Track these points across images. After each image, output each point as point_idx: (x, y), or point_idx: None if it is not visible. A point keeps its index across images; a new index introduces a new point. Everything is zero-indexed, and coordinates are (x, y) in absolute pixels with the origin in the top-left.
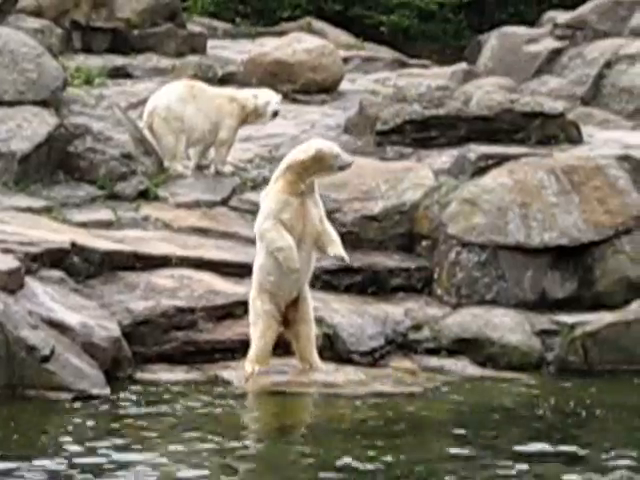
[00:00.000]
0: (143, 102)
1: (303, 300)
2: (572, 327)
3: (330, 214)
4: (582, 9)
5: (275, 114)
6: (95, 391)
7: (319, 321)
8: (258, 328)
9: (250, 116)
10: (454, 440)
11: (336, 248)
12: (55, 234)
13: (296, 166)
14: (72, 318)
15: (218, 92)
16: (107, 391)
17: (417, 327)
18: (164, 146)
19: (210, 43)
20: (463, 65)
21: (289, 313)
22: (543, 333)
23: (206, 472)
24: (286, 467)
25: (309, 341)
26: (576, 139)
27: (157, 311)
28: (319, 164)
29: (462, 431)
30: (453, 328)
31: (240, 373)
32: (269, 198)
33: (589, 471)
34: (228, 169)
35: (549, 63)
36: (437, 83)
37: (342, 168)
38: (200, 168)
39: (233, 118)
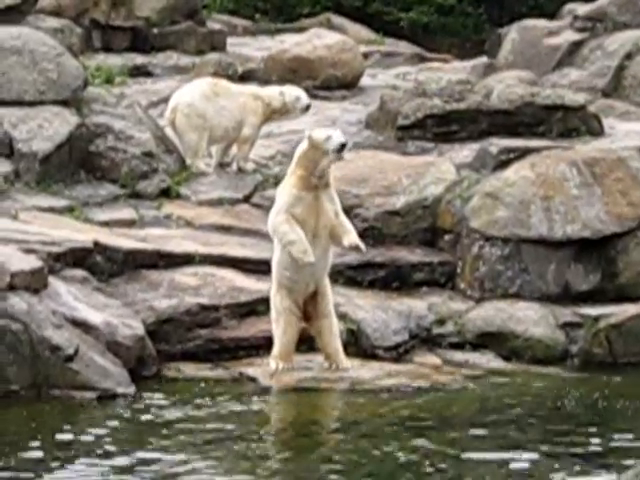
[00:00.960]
0: (164, 100)
1: (322, 295)
2: (596, 319)
3: (352, 209)
4: (602, 1)
5: (307, 108)
6: (120, 390)
7: (343, 317)
8: (279, 325)
9: (276, 113)
10: (480, 434)
11: (351, 237)
12: (78, 233)
13: (301, 160)
14: (96, 317)
15: (242, 90)
16: (132, 390)
17: (441, 321)
18: (186, 143)
19: (230, 40)
20: (483, 59)
21: (309, 308)
22: (567, 326)
23: (232, 471)
24: (314, 465)
25: (332, 335)
26: (597, 131)
27: (181, 309)
28: (316, 150)
29: (488, 425)
30: (477, 322)
31: (265, 370)
32: (282, 193)
33: (615, 464)
34: (250, 166)
35: (570, 55)
36: (457, 77)
37: (336, 150)
38: (222, 166)
39: (257, 116)
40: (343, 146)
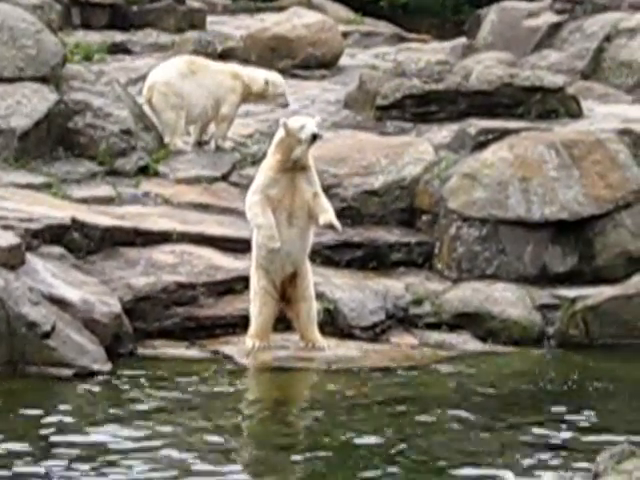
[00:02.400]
0: (143, 78)
1: (302, 277)
2: (573, 301)
3: (330, 189)
4: None
5: (314, 138)
6: (96, 367)
7: (320, 296)
8: (256, 304)
9: (252, 96)
10: (456, 414)
11: (326, 216)
12: (55, 210)
13: (278, 144)
14: (73, 294)
15: (221, 68)
16: (108, 367)
17: (418, 302)
18: (164, 122)
19: (209, 19)
20: (462, 40)
21: (288, 290)
22: (544, 307)
23: (204, 451)
24: (285, 443)
25: (309, 319)
26: (576, 113)
27: (158, 287)
28: (291, 138)
29: (463, 406)
30: (454, 303)
31: (241, 348)
32: (259, 174)
33: (590, 444)
34: (228, 145)
35: (549, 37)
36: (437, 58)
37: (309, 140)
38: (200, 144)
39: (236, 94)
40: (315, 137)
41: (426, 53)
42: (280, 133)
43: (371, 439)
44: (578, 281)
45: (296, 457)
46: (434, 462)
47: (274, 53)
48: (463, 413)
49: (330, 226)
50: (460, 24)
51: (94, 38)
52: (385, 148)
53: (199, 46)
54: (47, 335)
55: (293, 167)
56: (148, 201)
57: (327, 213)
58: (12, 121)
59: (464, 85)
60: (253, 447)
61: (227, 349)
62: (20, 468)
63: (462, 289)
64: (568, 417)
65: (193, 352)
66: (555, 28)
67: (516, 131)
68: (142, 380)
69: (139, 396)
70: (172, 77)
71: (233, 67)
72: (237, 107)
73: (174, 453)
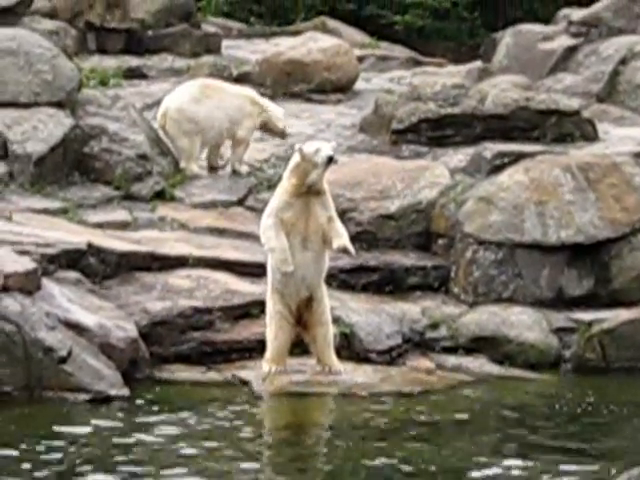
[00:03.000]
0: (158, 103)
1: (317, 302)
2: (589, 324)
3: (346, 213)
4: (597, 6)
5: (329, 161)
6: (113, 392)
7: (336, 320)
8: (272, 329)
9: (262, 128)
10: (472, 439)
11: (340, 240)
12: (71, 235)
13: (293, 169)
14: (89, 319)
15: (238, 91)
16: (125, 392)
17: (434, 325)
18: (179, 147)
19: (225, 43)
20: (478, 63)
21: (304, 315)
22: (560, 331)
23: (223, 477)
24: (303, 470)
25: (326, 343)
26: (592, 136)
27: (174, 311)
28: (307, 163)
29: (480, 430)
30: (470, 326)
31: (258, 373)
32: (273, 198)
33: (607, 468)
34: (245, 169)
35: (564, 60)
36: (452, 81)
37: (324, 164)
38: (213, 169)
39: (253, 119)
40: (330, 159)
41: (442, 77)
42: (295, 158)
43: (389, 463)
44: (594, 304)
45: None
46: None
47: (289, 77)
48: (480, 437)
49: (344, 250)
50: (476, 48)
51: (110, 63)
52: (401, 172)
53: (214, 70)
54: (63, 360)
55: (308, 191)
56: (164, 226)
57: (341, 238)
58: (28, 146)
59: (480, 109)
60: (272, 473)
61: (244, 373)
62: None
63: (478, 313)
64: (584, 440)
65: (210, 377)
66: (570, 51)
67: (532, 154)
68: (158, 405)
69: (155, 421)
70: (184, 103)
71: (251, 93)
72: (253, 132)
73: (194, 478)
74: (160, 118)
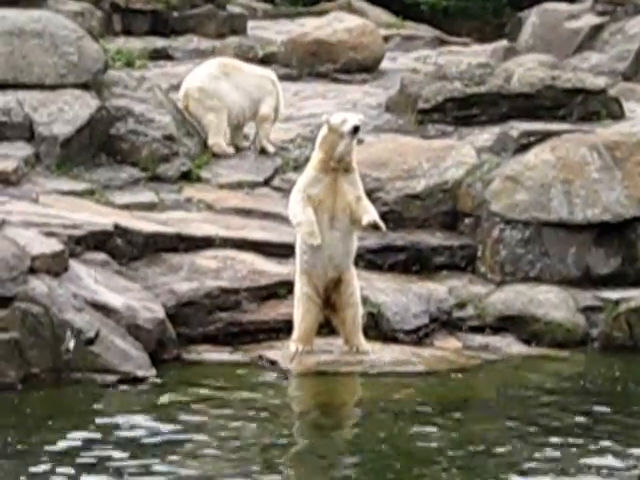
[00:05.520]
0: None
1: (346, 283)
2: (616, 303)
3: (372, 193)
4: None
5: (355, 130)
6: (140, 373)
7: (363, 300)
8: (299, 311)
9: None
10: (500, 419)
11: (370, 216)
12: (98, 217)
13: (321, 144)
14: (116, 300)
15: (256, 70)
16: (153, 373)
17: (461, 305)
18: (205, 125)
19: (250, 24)
20: (504, 42)
21: (332, 297)
22: (587, 309)
23: (250, 455)
24: (331, 448)
25: (355, 325)
26: (618, 115)
27: (201, 292)
28: (334, 134)
29: (508, 409)
30: (497, 305)
31: (285, 353)
32: (302, 175)
33: (636, 447)
34: (271, 148)
35: (590, 39)
36: (478, 61)
37: (350, 133)
38: (238, 150)
39: (273, 97)
40: (357, 129)
41: (467, 56)
42: (323, 130)
43: (415, 444)
44: (621, 283)
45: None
46: (481, 469)
47: (315, 57)
48: (508, 416)
49: (374, 226)
50: (501, 27)
51: (135, 44)
52: (427, 151)
53: (240, 51)
54: (91, 341)
55: (336, 168)
56: (191, 207)
57: (370, 214)
58: (54, 128)
59: (506, 88)
60: (299, 459)
61: (271, 354)
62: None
63: (505, 292)
64: (613, 419)
65: (237, 357)
66: (596, 30)
67: (558, 133)
68: (186, 385)
69: (183, 402)
70: (204, 82)
71: (269, 72)
72: (275, 110)
73: (219, 461)
74: (183, 100)
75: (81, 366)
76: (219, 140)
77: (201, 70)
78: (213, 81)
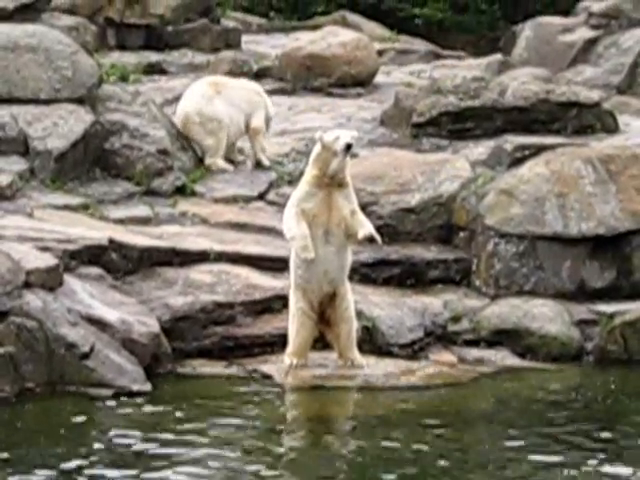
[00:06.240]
0: (178, 98)
1: (341, 298)
2: (611, 316)
3: (367, 207)
4: None
5: (348, 148)
6: (135, 387)
7: (358, 314)
8: (293, 326)
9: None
10: (496, 432)
11: (366, 229)
12: (93, 231)
13: (315, 161)
14: (111, 314)
15: (242, 84)
16: (147, 387)
17: (456, 318)
18: (205, 147)
19: (244, 38)
20: (498, 56)
21: (327, 311)
22: (582, 323)
23: (244, 467)
24: (326, 461)
25: (349, 340)
26: (612, 128)
27: (196, 306)
28: (327, 151)
29: (503, 422)
30: (492, 319)
31: (280, 367)
32: (296, 189)
33: (630, 461)
34: (267, 161)
35: (584, 52)
36: (472, 74)
37: (343, 150)
38: (232, 164)
39: (262, 109)
40: (349, 146)
41: (462, 70)
42: (317, 148)
43: (411, 457)
44: (616, 296)
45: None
46: None
47: (310, 72)
48: (502, 429)
49: (370, 240)
50: (495, 40)
51: (129, 59)
52: (421, 165)
53: (234, 66)
54: (86, 356)
55: (330, 183)
56: (185, 221)
57: (366, 227)
58: (49, 142)
59: (500, 101)
60: (293, 473)
61: (265, 368)
62: None
63: (500, 305)
64: (606, 433)
65: (232, 371)
66: (590, 43)
67: (552, 147)
68: (181, 400)
69: (178, 416)
70: (202, 105)
71: (254, 85)
72: (266, 121)
73: (211, 472)
74: (182, 126)
75: (76, 380)
76: (217, 160)
77: (194, 93)
78: (209, 103)
